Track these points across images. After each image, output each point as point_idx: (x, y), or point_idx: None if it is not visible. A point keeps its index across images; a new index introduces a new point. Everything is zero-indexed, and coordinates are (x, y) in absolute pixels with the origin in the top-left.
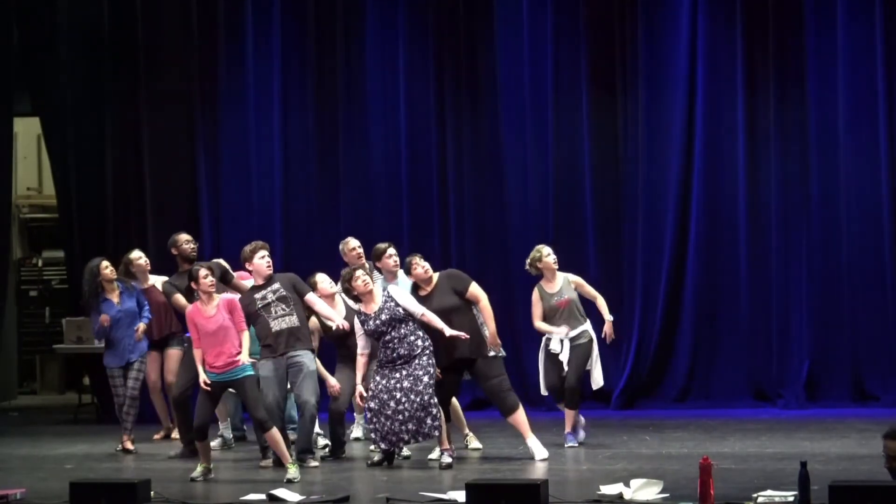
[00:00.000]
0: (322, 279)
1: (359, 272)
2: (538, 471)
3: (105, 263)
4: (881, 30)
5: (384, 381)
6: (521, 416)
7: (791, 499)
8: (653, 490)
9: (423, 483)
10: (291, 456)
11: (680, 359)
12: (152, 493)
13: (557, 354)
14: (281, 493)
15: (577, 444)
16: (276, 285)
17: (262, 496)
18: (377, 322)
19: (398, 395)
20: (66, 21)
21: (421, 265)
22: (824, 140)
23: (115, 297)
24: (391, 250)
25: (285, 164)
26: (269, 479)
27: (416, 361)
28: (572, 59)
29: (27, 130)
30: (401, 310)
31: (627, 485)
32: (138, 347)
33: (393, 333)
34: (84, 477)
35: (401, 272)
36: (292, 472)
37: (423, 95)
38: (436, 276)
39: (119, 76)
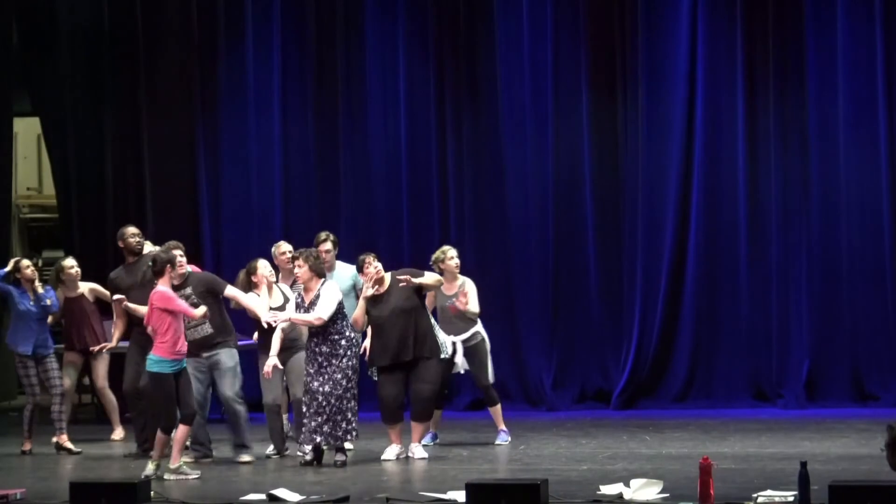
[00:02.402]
0: (263, 265)
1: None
2: (536, 470)
3: (26, 262)
4: (881, 29)
5: (308, 380)
6: (425, 426)
7: (791, 499)
8: (653, 490)
9: (423, 483)
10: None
11: (680, 359)
12: (152, 493)
13: (450, 357)
14: (281, 493)
15: (508, 441)
16: (189, 290)
17: (262, 496)
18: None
19: (319, 398)
20: (66, 21)
21: (374, 265)
22: (824, 140)
23: (31, 294)
24: (326, 245)
25: (285, 165)
26: (269, 480)
27: (337, 363)
28: (572, 59)
29: (27, 130)
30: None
31: (627, 485)
32: (49, 342)
33: (318, 327)
34: (84, 477)
35: (338, 268)
36: (150, 468)
37: (423, 96)
38: (388, 276)
39: (119, 76)
